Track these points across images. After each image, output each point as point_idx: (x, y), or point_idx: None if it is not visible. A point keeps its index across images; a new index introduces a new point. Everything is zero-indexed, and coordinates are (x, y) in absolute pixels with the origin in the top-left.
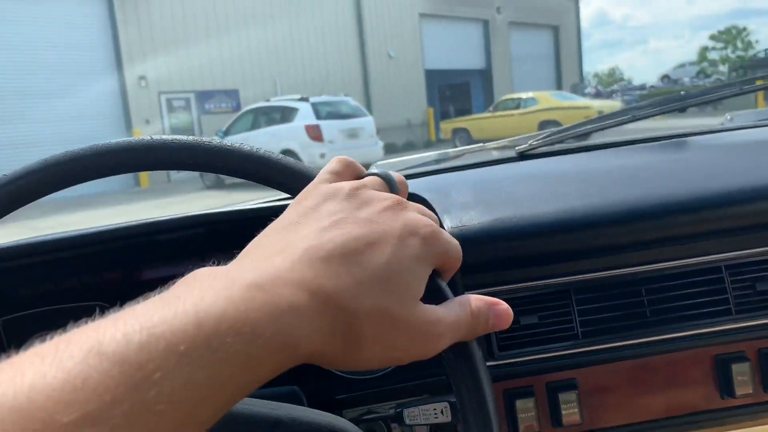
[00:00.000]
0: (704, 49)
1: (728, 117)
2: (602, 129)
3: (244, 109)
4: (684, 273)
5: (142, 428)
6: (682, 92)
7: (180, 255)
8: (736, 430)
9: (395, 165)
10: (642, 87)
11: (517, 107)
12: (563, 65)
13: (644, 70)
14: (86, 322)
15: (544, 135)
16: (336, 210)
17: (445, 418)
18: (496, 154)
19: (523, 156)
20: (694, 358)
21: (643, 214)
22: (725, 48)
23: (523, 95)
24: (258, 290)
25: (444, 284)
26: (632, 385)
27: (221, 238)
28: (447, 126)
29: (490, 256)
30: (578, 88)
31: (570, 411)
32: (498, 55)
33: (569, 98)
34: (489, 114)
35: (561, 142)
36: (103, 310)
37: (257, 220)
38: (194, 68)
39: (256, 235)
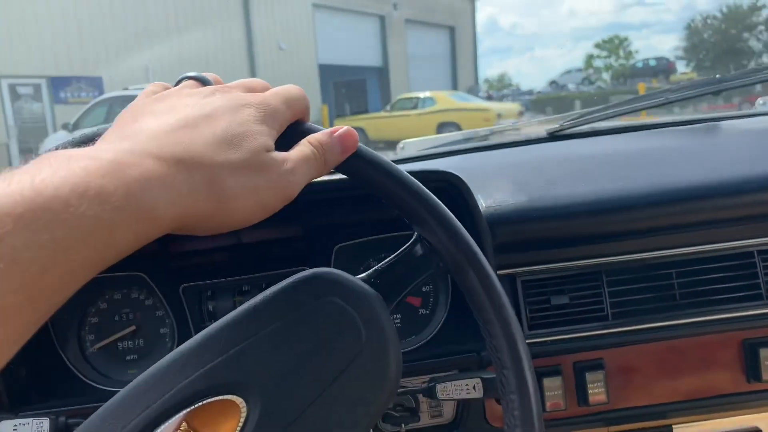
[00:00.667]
0: (590, 57)
1: (761, 102)
2: (635, 111)
3: (96, 99)
4: (716, 257)
5: None
6: (717, 75)
7: None
8: (762, 413)
9: (421, 144)
10: (530, 92)
11: (415, 107)
12: (459, 66)
13: (531, 76)
14: (122, 293)
15: (575, 116)
16: (168, 104)
17: (477, 393)
18: (525, 135)
19: (553, 137)
20: (722, 341)
21: (676, 198)
22: (609, 56)
23: (421, 95)
24: (102, 161)
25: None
26: (659, 367)
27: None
28: (342, 125)
29: (524, 236)
30: (474, 90)
31: (597, 390)
32: (395, 53)
33: (467, 99)
34: (386, 113)
35: (591, 123)
36: (143, 280)
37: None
38: (47, 50)
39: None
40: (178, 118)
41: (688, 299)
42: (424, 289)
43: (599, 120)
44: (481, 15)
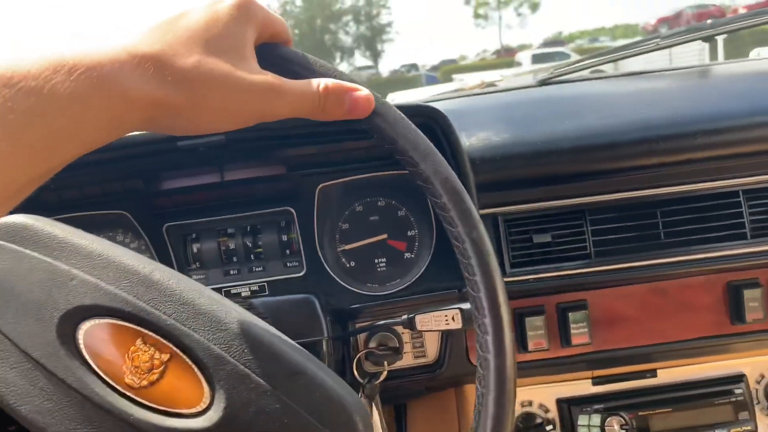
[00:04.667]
0: None
1: (757, 52)
2: (627, 57)
3: None
4: (700, 197)
5: None
6: (709, 21)
7: (199, 164)
8: (745, 356)
9: (411, 95)
10: None
11: None
12: None
13: None
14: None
15: (566, 63)
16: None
17: (456, 324)
18: (516, 83)
19: (543, 83)
20: (706, 283)
21: (661, 135)
22: None
23: None
24: (78, 50)
25: (295, 54)
26: (642, 309)
27: (240, 148)
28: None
29: (507, 174)
30: None
31: (579, 331)
32: None
33: None
34: None
35: (582, 70)
36: (126, 220)
37: (276, 132)
38: None
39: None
40: (156, 21)
41: (672, 238)
42: (409, 233)
43: (590, 67)
44: None
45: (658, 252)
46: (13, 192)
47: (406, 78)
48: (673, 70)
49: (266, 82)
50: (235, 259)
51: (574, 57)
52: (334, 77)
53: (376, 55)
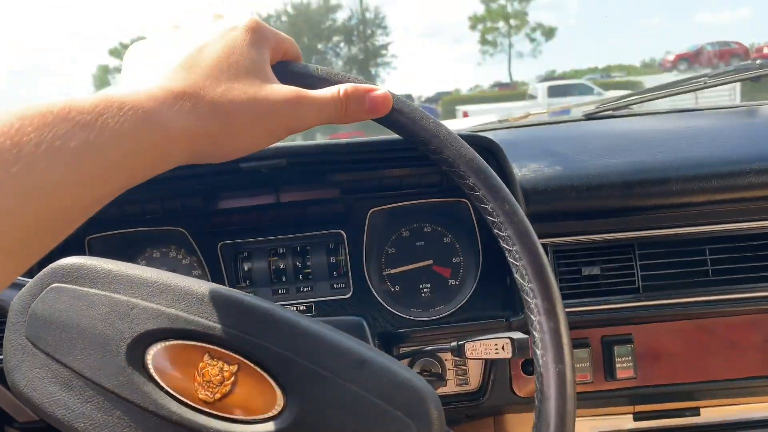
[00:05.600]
0: None
1: None
2: (674, 95)
3: None
4: (750, 236)
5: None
6: (758, 61)
7: (256, 185)
8: None
9: (454, 125)
10: None
11: None
12: None
13: None
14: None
15: (612, 99)
16: (170, 42)
17: (506, 354)
18: (561, 117)
19: (589, 117)
20: (754, 322)
21: (713, 173)
22: None
23: None
24: (120, 90)
25: (310, 68)
26: (688, 346)
27: (297, 171)
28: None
29: (558, 206)
30: None
31: (624, 366)
32: None
33: None
34: None
35: (629, 106)
36: (183, 236)
37: (333, 157)
38: None
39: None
40: (178, 56)
41: (720, 276)
42: (454, 260)
43: (636, 103)
44: None
45: (705, 289)
46: (71, 218)
47: None
48: (721, 108)
49: (290, 97)
50: (284, 278)
51: (597, 90)
52: (349, 82)
53: (369, 81)
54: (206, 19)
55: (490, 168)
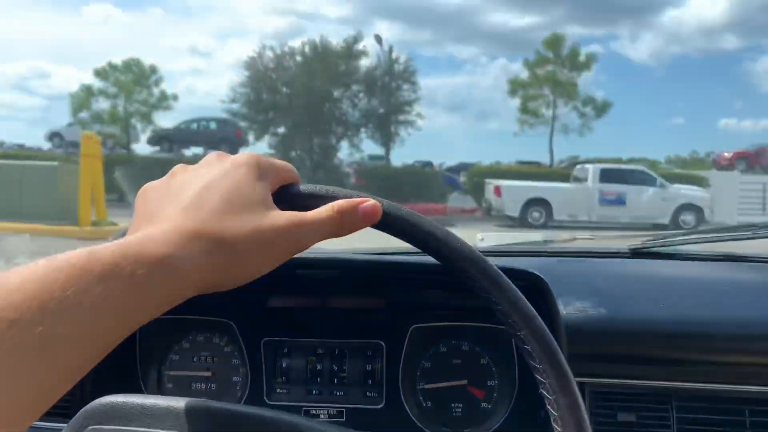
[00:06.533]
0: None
1: None
2: (719, 241)
3: None
4: None
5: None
6: None
7: (307, 289)
8: None
9: (500, 238)
10: None
11: None
12: None
13: None
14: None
15: (659, 236)
16: (177, 184)
17: None
18: (605, 246)
19: (635, 253)
20: None
21: (759, 335)
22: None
23: None
24: (136, 239)
25: (304, 189)
26: None
27: (349, 280)
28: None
29: (601, 348)
30: None
31: None
32: None
33: None
34: None
35: (675, 246)
36: (229, 327)
37: (384, 272)
38: None
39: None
40: (186, 195)
41: None
42: (489, 383)
43: (683, 244)
44: None
45: None
46: (95, 356)
47: (423, 173)
48: None
49: (290, 222)
50: (319, 380)
51: (660, 181)
52: (343, 197)
53: (388, 139)
54: (211, 160)
55: (532, 309)
